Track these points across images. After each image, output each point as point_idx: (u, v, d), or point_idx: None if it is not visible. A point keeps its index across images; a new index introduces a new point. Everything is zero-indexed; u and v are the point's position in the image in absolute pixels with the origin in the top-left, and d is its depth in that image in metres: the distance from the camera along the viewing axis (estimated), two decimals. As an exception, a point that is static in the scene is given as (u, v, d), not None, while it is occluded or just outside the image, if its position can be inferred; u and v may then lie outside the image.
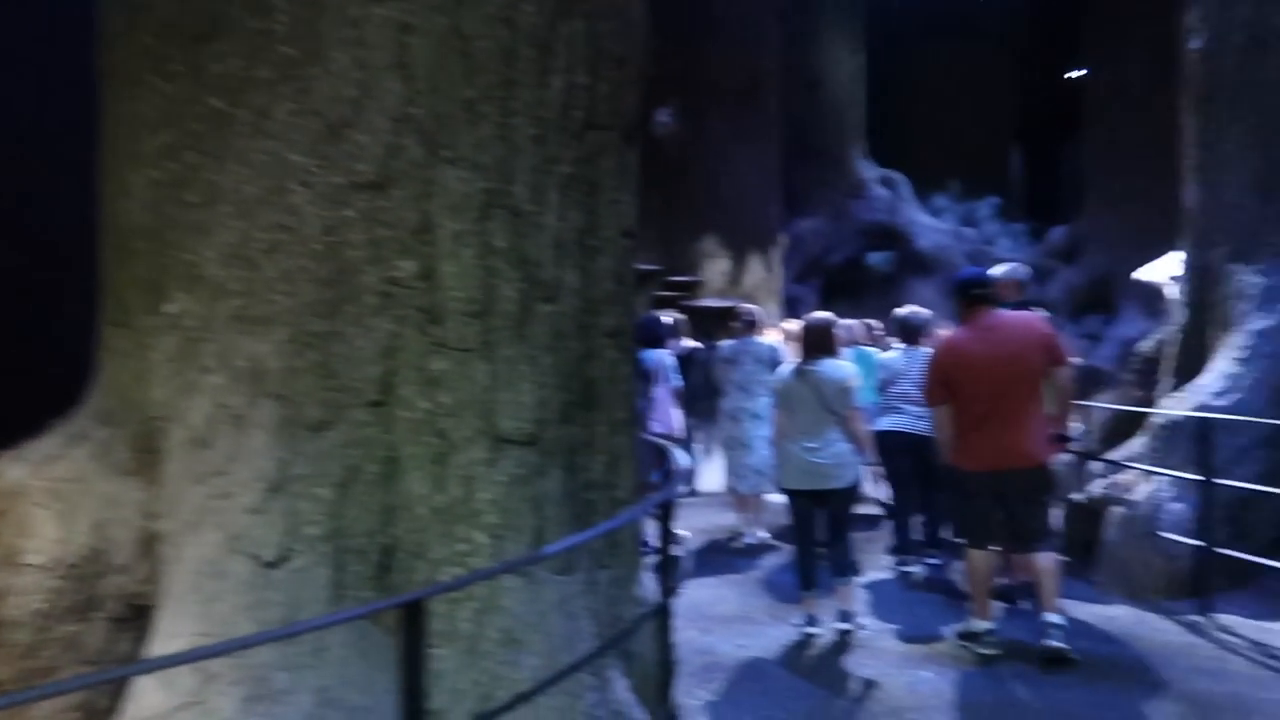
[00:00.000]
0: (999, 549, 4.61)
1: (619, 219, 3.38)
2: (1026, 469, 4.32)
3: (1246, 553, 5.27)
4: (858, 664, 4.43)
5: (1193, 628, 4.78)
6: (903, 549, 6.12)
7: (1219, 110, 6.47)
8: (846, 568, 4.89)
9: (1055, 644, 4.26)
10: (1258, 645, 4.50)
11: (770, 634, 4.88)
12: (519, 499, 2.93)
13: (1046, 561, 4.39)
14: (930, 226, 18.35)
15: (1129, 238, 16.63)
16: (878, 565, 6.15)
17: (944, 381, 4.42)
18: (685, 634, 4.75)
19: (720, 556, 6.67)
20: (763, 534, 7.13)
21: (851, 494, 4.98)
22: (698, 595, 5.58)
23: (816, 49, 17.85)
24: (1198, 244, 6.66)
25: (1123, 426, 7.42)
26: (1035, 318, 4.53)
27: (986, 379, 4.28)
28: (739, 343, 7.25)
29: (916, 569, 5.94)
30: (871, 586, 5.71)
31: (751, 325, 7.35)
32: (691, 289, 14.05)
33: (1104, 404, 8.81)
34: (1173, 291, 13.76)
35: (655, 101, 14.43)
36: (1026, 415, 4.30)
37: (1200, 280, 6.60)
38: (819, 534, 4.95)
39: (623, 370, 3.43)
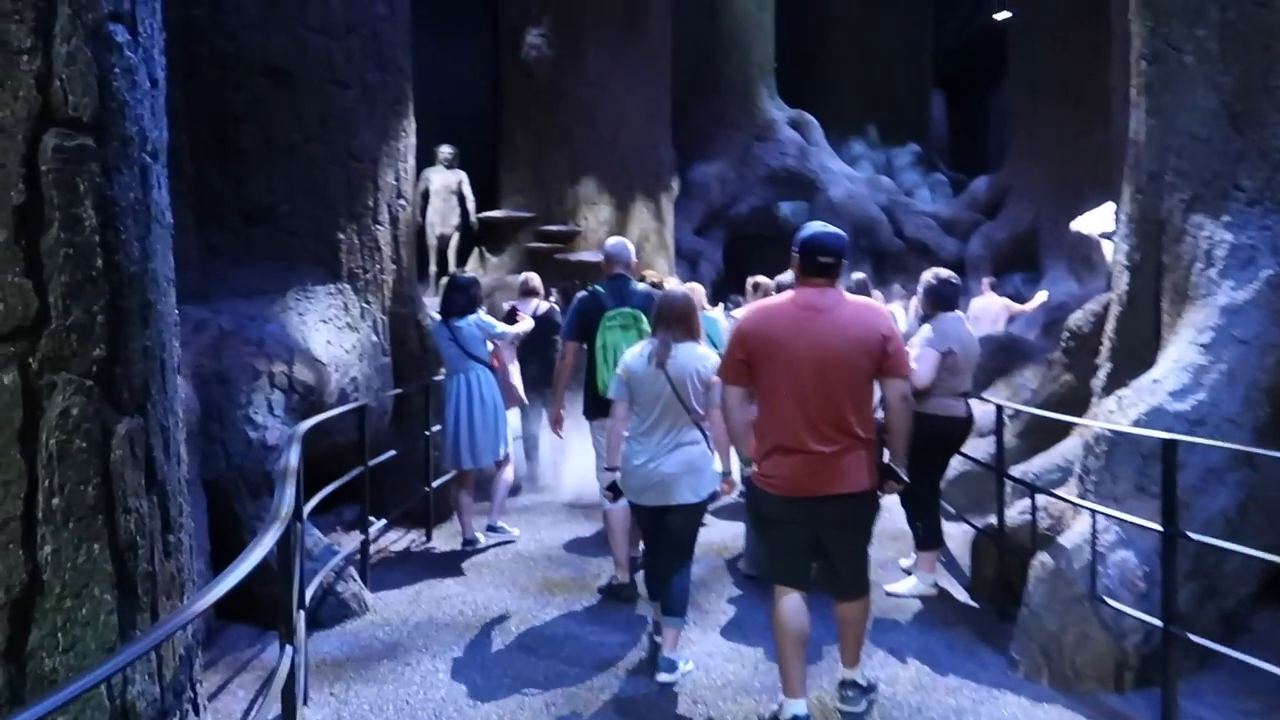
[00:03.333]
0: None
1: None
2: (844, 495, 3.25)
3: (1215, 613, 3.84)
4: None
5: (1147, 749, 3.26)
6: None
7: (1176, 8, 4.87)
8: (678, 605, 3.90)
9: (852, 709, 3.51)
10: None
11: None
12: None
13: (856, 609, 3.46)
14: (845, 174, 16.78)
15: (1055, 189, 15.36)
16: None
17: (746, 360, 3.32)
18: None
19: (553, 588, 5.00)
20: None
21: (699, 511, 3.98)
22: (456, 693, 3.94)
23: (718, -30, 15.95)
24: (1146, 189, 5.09)
25: (1050, 420, 5.91)
26: (879, 310, 3.42)
27: (800, 369, 3.21)
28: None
29: None
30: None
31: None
32: (568, 240, 12.26)
33: (1023, 389, 7.35)
34: (1110, 248, 12.36)
35: (524, 21, 12.47)
36: (848, 428, 3.22)
37: (1149, 236, 5.04)
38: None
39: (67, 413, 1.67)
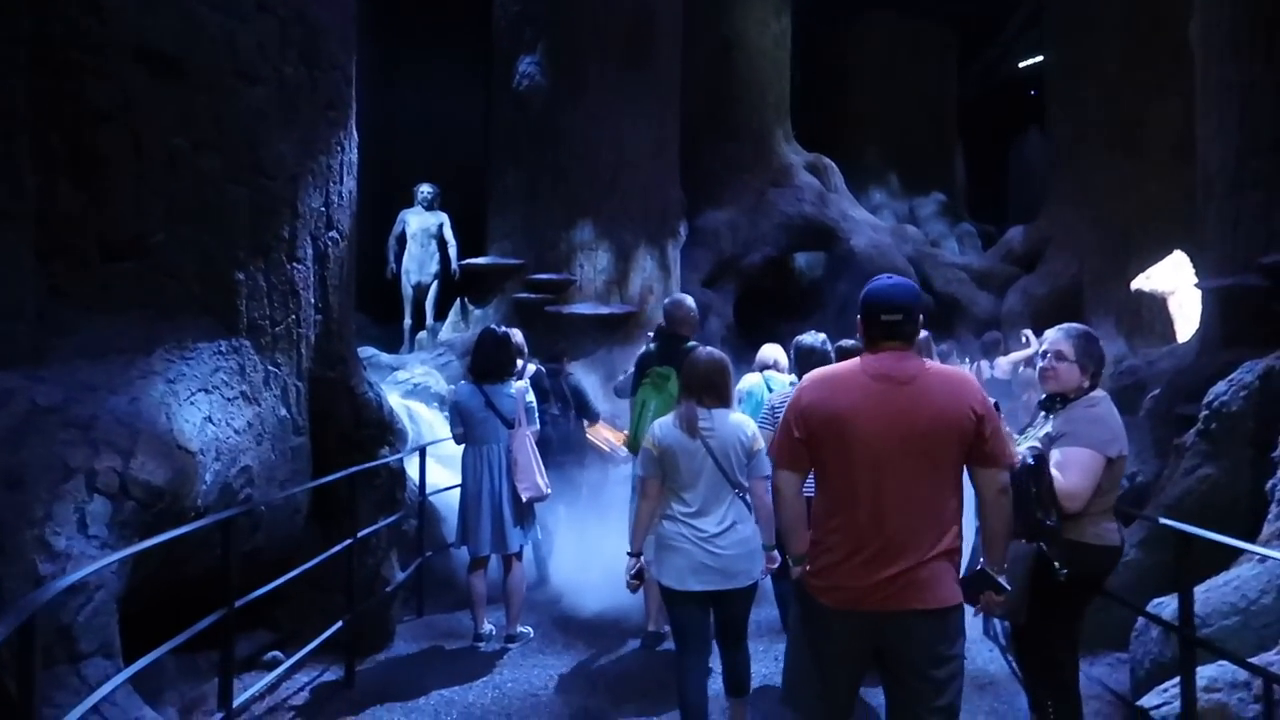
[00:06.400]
0: None
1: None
2: (924, 613, 2.61)
3: None
4: None
5: None
6: None
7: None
8: (743, 682, 3.81)
9: None
10: None
11: None
12: None
13: None
14: (868, 223, 15.41)
15: (1101, 241, 13.94)
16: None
17: (805, 439, 2.74)
18: None
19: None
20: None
21: (753, 593, 3.74)
22: None
23: (731, 3, 14.72)
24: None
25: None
26: (970, 381, 2.80)
27: (874, 454, 2.64)
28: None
29: None
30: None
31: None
32: (560, 290, 10.82)
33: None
34: (1178, 305, 10.70)
35: (517, 48, 11.21)
36: (931, 528, 2.63)
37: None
38: (710, 645, 3.79)
39: None
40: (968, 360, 11.23)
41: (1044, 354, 3.48)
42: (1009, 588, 2.78)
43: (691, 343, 5.03)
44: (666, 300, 5.50)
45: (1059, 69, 15.57)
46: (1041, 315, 14.12)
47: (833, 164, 15.68)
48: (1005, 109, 24.32)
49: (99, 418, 3.46)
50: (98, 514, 3.18)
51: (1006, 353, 9.50)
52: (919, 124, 18.78)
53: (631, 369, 6.98)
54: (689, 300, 5.35)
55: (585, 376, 8.52)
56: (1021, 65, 22.30)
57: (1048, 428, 3.33)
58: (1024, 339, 9.35)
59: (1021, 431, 3.52)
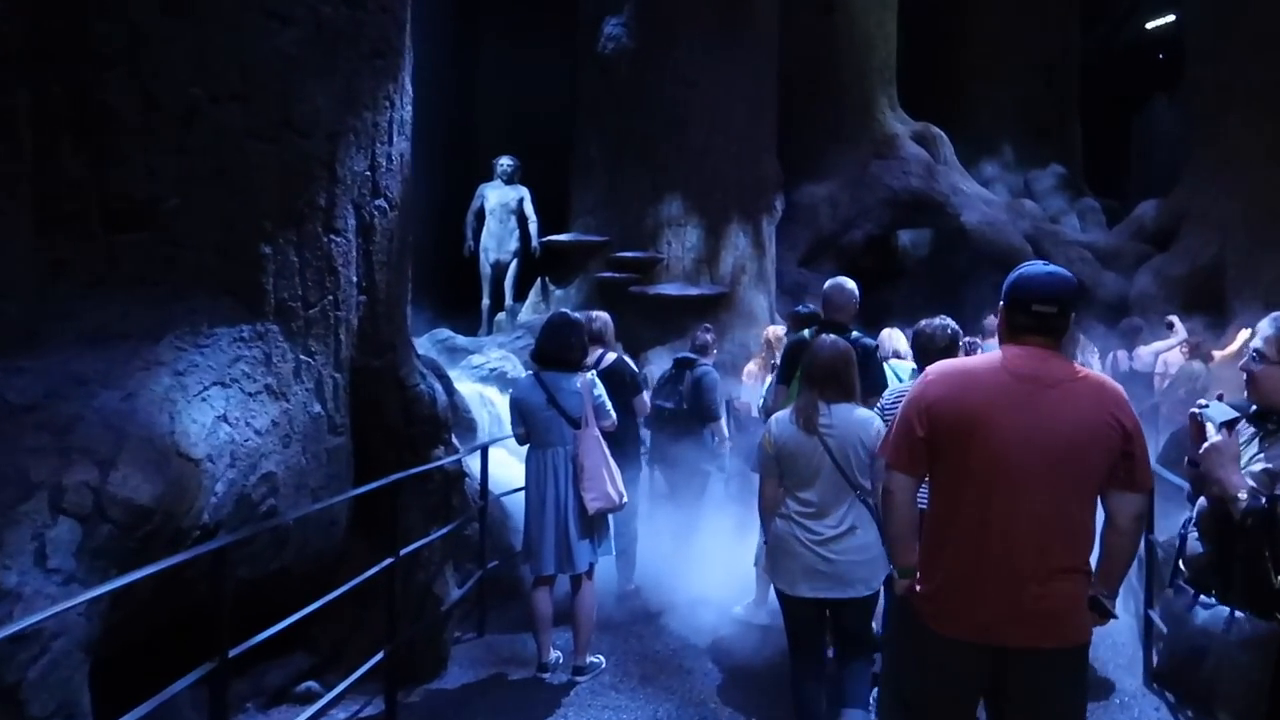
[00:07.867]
0: None
1: None
2: (1052, 652, 2.34)
3: None
4: None
5: None
6: None
7: None
8: (859, 697, 3.54)
9: None
10: None
11: None
12: None
13: None
14: (980, 197, 14.27)
15: (1248, 215, 12.51)
16: None
17: (927, 439, 2.44)
18: None
19: None
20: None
21: (872, 603, 3.56)
22: None
23: (834, -41, 13.70)
24: None
25: None
26: (1119, 392, 2.41)
27: (1011, 463, 2.34)
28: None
29: None
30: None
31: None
32: (646, 268, 10.10)
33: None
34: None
35: (603, 9, 10.47)
36: (1065, 553, 2.37)
37: None
38: (825, 654, 3.66)
39: None
40: (1097, 350, 10.12)
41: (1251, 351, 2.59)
42: (1117, 616, 2.54)
43: (855, 333, 4.64)
44: (826, 284, 5.01)
45: (1197, 25, 14.11)
46: (1177, 298, 12.81)
47: (942, 134, 14.58)
48: (1129, 75, 22.57)
49: (81, 418, 2.88)
50: (62, 541, 2.59)
51: (1147, 341, 8.39)
52: (1036, 91, 17.41)
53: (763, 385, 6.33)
54: (850, 284, 4.87)
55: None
56: (1150, 26, 20.58)
57: (1262, 457, 2.45)
58: (1169, 325, 8.25)
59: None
